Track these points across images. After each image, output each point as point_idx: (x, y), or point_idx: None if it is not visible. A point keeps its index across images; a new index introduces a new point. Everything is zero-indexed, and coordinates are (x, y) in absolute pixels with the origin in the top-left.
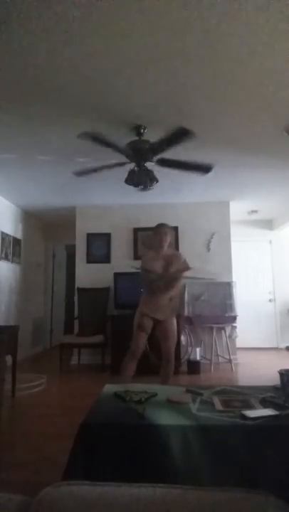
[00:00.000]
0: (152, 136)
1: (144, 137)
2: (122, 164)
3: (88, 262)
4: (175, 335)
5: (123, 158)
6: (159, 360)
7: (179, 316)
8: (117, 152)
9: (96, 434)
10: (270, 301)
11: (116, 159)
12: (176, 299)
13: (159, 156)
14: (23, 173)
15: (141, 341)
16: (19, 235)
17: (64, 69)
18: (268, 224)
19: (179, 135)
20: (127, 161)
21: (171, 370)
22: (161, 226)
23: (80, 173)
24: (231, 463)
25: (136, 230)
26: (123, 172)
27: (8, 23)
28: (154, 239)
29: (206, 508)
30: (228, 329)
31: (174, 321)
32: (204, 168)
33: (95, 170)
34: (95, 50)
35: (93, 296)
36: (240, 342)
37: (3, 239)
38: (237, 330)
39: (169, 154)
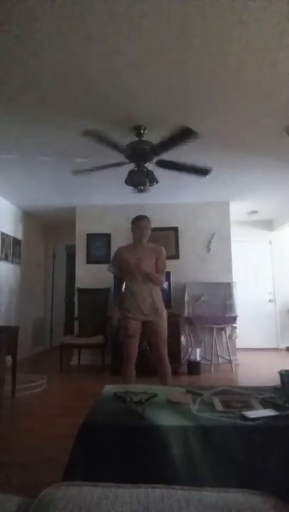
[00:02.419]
0: (152, 136)
1: (144, 138)
2: (120, 164)
3: (88, 262)
4: (164, 335)
5: (122, 159)
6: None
7: (178, 316)
8: (118, 152)
9: (96, 434)
10: (270, 301)
11: (115, 160)
12: (159, 296)
13: (159, 158)
14: (24, 174)
15: (132, 348)
16: (19, 236)
17: (64, 70)
18: (268, 224)
19: (183, 135)
20: (126, 161)
21: (167, 371)
22: (141, 219)
23: (78, 172)
24: (231, 463)
25: None
26: (123, 172)
27: (9, 25)
28: (135, 232)
29: (207, 508)
30: (228, 330)
31: (164, 321)
32: (202, 171)
33: (92, 169)
34: (95, 51)
35: (93, 296)
36: (240, 342)
37: (3, 239)
38: (237, 330)
39: (169, 155)
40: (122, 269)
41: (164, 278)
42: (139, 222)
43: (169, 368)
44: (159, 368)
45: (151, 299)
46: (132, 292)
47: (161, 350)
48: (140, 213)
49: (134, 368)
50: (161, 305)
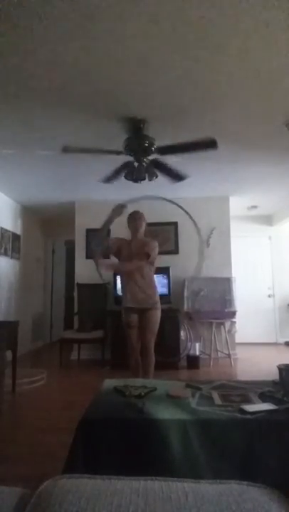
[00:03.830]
0: (151, 131)
1: (144, 132)
2: (118, 153)
3: (88, 257)
4: (155, 327)
5: (121, 149)
6: (162, 356)
7: (177, 311)
8: (113, 154)
9: (96, 428)
10: (269, 296)
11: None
12: (154, 288)
13: (161, 156)
14: (23, 169)
15: (133, 337)
16: (18, 231)
17: (63, 65)
18: (268, 219)
19: (205, 145)
20: (123, 151)
21: (150, 361)
22: (133, 213)
23: (68, 150)
24: (230, 457)
25: None
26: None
27: (9, 21)
28: (130, 225)
29: (206, 500)
30: (227, 324)
31: (157, 314)
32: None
33: (83, 150)
34: (94, 46)
35: (93, 291)
36: (239, 337)
37: (2, 234)
38: (236, 325)
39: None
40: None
41: (153, 260)
42: (131, 215)
43: (152, 358)
44: (143, 356)
45: (147, 289)
46: (128, 285)
47: (148, 340)
48: (139, 208)
49: (140, 359)
50: (157, 298)
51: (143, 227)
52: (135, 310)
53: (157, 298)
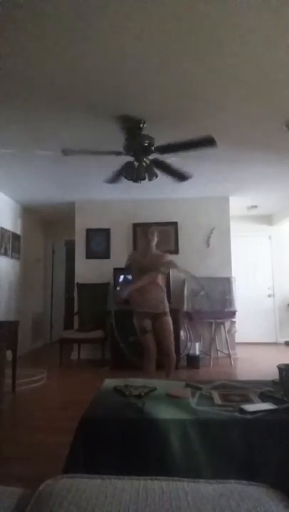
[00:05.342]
0: (151, 131)
1: (144, 132)
2: (118, 153)
3: (88, 257)
4: (172, 332)
5: (121, 149)
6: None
7: (177, 311)
8: (113, 155)
9: (96, 428)
10: (269, 296)
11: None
12: (165, 296)
13: (161, 155)
14: (22, 169)
15: (149, 342)
16: (18, 231)
17: (63, 65)
18: (268, 219)
19: (204, 142)
20: (123, 151)
21: (173, 362)
22: (148, 226)
23: (68, 152)
24: (230, 456)
25: (135, 226)
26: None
27: (9, 21)
28: (142, 239)
29: (205, 499)
30: (227, 324)
31: (170, 320)
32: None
33: (82, 151)
34: (94, 46)
35: (93, 291)
36: (239, 337)
37: (2, 234)
38: (236, 325)
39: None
40: (133, 269)
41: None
42: (146, 228)
43: (174, 356)
44: (166, 357)
45: (157, 296)
46: (141, 290)
47: (169, 342)
48: (140, 208)
49: (155, 361)
50: (167, 303)
51: (155, 241)
52: (148, 315)
53: (167, 303)
